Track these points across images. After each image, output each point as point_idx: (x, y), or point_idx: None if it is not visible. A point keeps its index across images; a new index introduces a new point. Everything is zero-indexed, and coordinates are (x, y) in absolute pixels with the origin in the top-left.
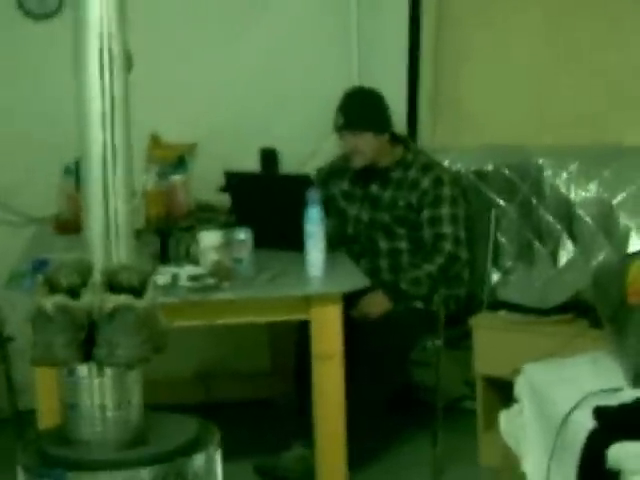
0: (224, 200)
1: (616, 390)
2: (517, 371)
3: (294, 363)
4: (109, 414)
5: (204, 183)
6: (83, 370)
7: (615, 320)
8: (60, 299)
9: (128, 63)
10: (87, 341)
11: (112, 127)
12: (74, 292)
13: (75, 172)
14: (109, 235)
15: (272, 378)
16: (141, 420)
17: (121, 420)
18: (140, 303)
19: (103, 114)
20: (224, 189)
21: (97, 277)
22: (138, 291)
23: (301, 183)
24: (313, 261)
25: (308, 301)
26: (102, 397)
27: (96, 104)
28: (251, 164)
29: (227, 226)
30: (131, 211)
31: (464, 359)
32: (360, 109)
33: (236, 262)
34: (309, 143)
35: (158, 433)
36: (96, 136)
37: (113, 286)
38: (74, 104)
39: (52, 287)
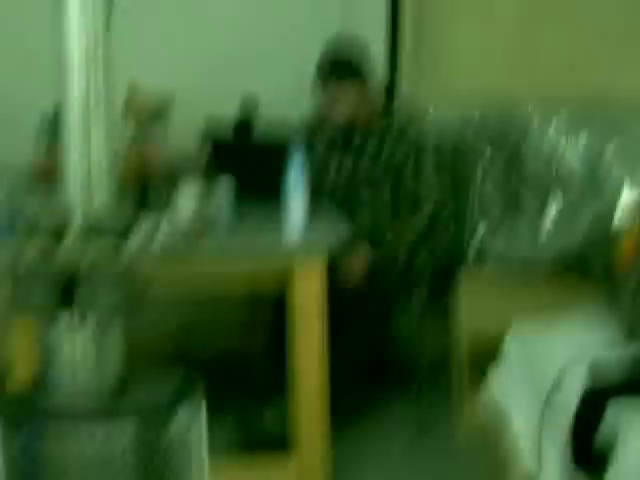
0: (205, 149)
1: (610, 345)
2: (506, 327)
3: (272, 316)
4: (90, 364)
5: (184, 132)
6: (64, 318)
7: (608, 278)
8: (42, 243)
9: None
10: (68, 288)
11: (95, 68)
12: (56, 236)
13: (53, 121)
14: (90, 182)
15: (251, 330)
16: (123, 372)
17: (103, 370)
18: (123, 250)
19: (86, 53)
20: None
21: (79, 221)
22: (122, 236)
23: (282, 149)
24: (295, 214)
25: (290, 253)
26: (83, 346)
27: (77, 43)
28: (232, 112)
29: (208, 177)
30: (113, 158)
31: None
32: (345, 57)
33: (216, 211)
34: (291, 92)
35: (141, 385)
36: (77, 77)
37: (96, 231)
38: (52, 47)
39: (32, 231)
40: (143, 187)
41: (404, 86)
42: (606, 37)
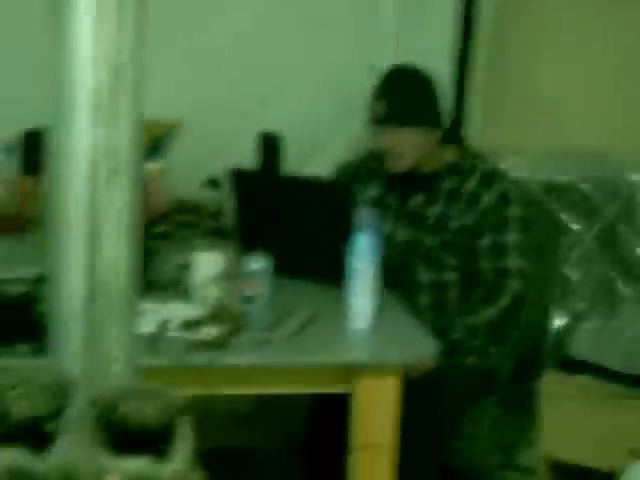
0: (211, 198)
1: None
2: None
3: (304, 436)
4: None
5: (186, 175)
6: None
7: None
8: (14, 456)
9: None
10: None
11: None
12: (41, 437)
13: (18, 153)
14: (94, 306)
15: (256, 424)
16: None
17: None
18: (165, 470)
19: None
20: (211, 184)
21: (82, 409)
22: (159, 437)
23: (340, 194)
24: (359, 312)
25: (350, 371)
26: None
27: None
28: (246, 151)
29: (216, 234)
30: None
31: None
32: (409, 96)
33: (246, 302)
34: (318, 130)
35: None
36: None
37: (114, 428)
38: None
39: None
40: (145, 251)
41: (469, 134)
42: None
